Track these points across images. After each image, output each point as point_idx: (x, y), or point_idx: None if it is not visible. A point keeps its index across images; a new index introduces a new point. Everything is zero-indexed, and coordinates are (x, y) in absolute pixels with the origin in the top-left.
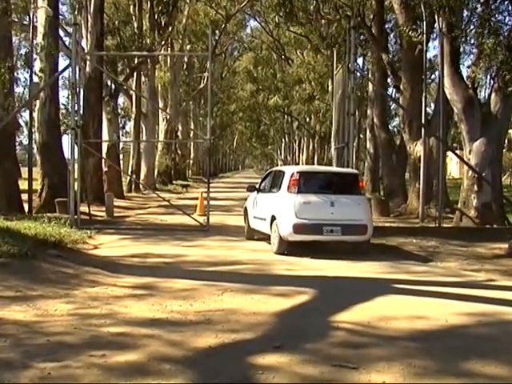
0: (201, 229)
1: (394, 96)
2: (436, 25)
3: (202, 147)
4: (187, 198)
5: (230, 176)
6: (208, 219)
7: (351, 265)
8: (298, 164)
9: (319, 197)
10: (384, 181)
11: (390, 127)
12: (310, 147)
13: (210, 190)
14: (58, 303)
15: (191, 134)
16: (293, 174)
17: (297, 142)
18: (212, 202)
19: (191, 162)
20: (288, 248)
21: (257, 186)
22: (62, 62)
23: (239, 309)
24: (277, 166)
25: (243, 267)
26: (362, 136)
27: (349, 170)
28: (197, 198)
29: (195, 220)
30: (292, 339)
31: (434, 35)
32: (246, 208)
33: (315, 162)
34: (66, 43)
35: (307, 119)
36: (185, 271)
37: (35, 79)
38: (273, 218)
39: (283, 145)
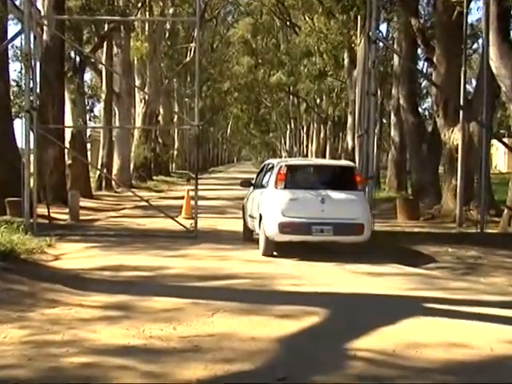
0: (187, 235)
1: (425, 71)
2: None
3: (189, 135)
4: (170, 198)
5: (222, 170)
6: (196, 223)
7: (370, 279)
8: (307, 156)
9: (308, 192)
10: (412, 176)
11: (419, 110)
12: (321, 135)
13: (199, 187)
14: (8, 328)
15: (175, 119)
16: (280, 167)
17: (305, 128)
18: (201, 203)
19: (175, 153)
20: (276, 250)
21: (253, 181)
22: (13, 27)
23: (234, 333)
24: (280, 157)
25: (239, 282)
26: (385, 121)
27: (344, 162)
28: (182, 198)
29: (180, 224)
30: (299, 370)
31: None
32: (243, 206)
33: (327, 152)
34: (17, 3)
35: (318, 100)
36: (167, 287)
37: None
38: (260, 217)
39: (288, 132)
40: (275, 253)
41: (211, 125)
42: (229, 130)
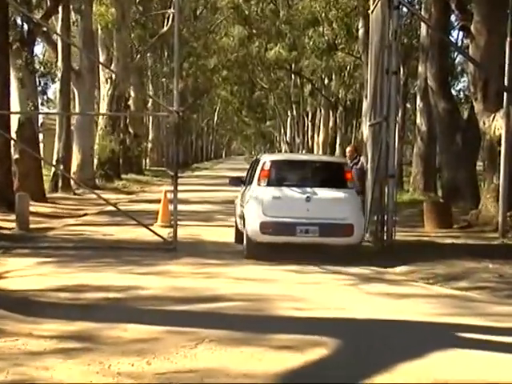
0: (164, 247)
1: (460, 43)
2: None
3: (167, 124)
4: (144, 201)
5: (208, 167)
6: (175, 233)
7: (389, 301)
8: (313, 150)
9: (293, 190)
10: (443, 174)
11: (452, 92)
12: (330, 123)
13: (180, 188)
14: None
15: (149, 104)
16: (264, 163)
17: (309, 115)
18: (181, 207)
19: (149, 146)
20: (259, 252)
21: (243, 179)
22: None
23: (222, 369)
24: (280, 151)
25: (228, 305)
26: (409, 106)
27: (333, 158)
28: (158, 201)
29: (156, 234)
30: None
31: None
32: (235, 205)
33: (337, 145)
34: None
35: (325, 81)
36: (140, 312)
37: None
38: (243, 217)
39: (289, 120)
40: (274, 267)
41: (194, 111)
42: (216, 118)
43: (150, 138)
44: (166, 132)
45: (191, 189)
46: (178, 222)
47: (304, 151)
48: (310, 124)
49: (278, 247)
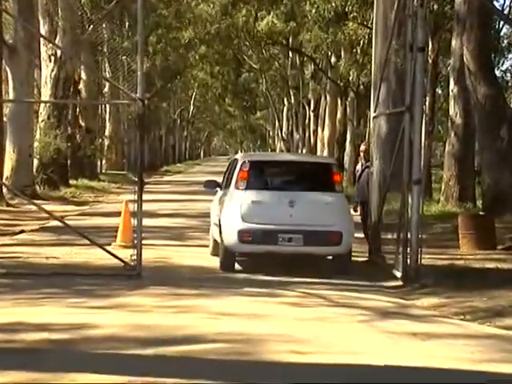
0: (126, 273)
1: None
2: None
3: (128, 115)
4: (99, 214)
5: (182, 171)
6: (139, 255)
7: (415, 343)
8: (316, 148)
9: (275, 194)
10: (484, 179)
11: (496, 73)
12: (338, 114)
13: (146, 197)
14: None
15: (106, 89)
16: (242, 163)
17: (312, 104)
18: (148, 222)
19: (106, 143)
20: (235, 263)
21: (220, 181)
22: None
23: None
24: (274, 150)
25: (206, 348)
26: (439, 92)
27: (319, 158)
28: (118, 214)
29: (114, 256)
30: None
31: None
32: (210, 212)
33: (347, 141)
34: None
35: (332, 59)
36: (93, 357)
37: None
38: (220, 224)
39: (285, 110)
40: (265, 298)
41: (164, 98)
42: (192, 107)
43: (107, 133)
44: (127, 126)
45: (160, 198)
46: (144, 242)
47: (305, 150)
48: (312, 115)
49: (259, 258)
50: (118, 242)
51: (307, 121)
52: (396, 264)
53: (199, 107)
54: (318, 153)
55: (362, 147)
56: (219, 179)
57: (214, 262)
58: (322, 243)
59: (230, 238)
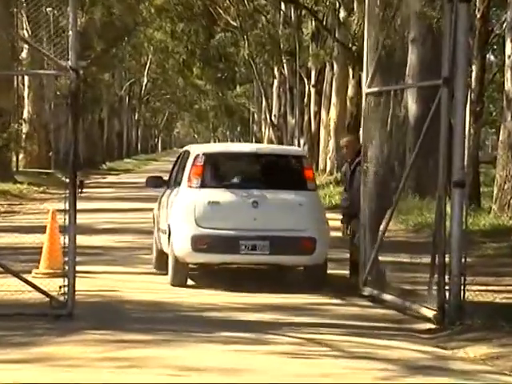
0: (53, 312)
1: None
2: None
3: (56, 91)
4: (14, 230)
5: (133, 169)
6: (71, 286)
7: None
8: (318, 136)
9: (235, 193)
10: None
11: None
12: (350, 89)
13: (81, 206)
14: None
15: (24, 54)
16: (196, 157)
17: (313, 76)
18: (83, 240)
19: (25, 130)
20: (187, 277)
21: (166, 178)
22: None
23: None
24: (259, 141)
25: None
26: (490, 58)
27: (289, 149)
28: (42, 230)
29: (37, 289)
30: None
31: None
32: (153, 216)
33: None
34: None
35: (341, 13)
36: None
37: None
38: (169, 229)
39: (276, 84)
40: (248, 347)
41: (106, 68)
42: (146, 80)
43: (26, 115)
44: (54, 106)
45: (101, 207)
46: (78, 268)
47: (303, 140)
48: (313, 91)
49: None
50: (42, 269)
51: (306, 99)
52: (428, 298)
53: (156, 80)
54: (322, 143)
55: (345, 140)
56: (166, 176)
57: (175, 295)
58: (292, 251)
59: (182, 246)
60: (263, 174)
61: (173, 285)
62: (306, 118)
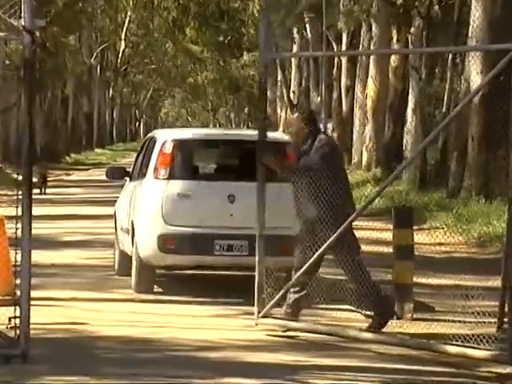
0: (1, 351)
1: None
2: None
3: (5, 59)
4: None
5: (106, 163)
6: (25, 317)
7: None
8: (352, 119)
9: (208, 185)
10: None
11: None
12: (393, 59)
13: (39, 211)
14: None
15: None
16: (163, 144)
17: (344, 39)
18: (41, 256)
19: None
20: (153, 283)
21: (129, 169)
22: None
23: None
24: (274, 125)
25: None
26: None
27: (271, 135)
28: None
29: None
30: None
31: None
32: (114, 213)
33: (408, 108)
34: None
35: None
36: None
37: None
38: (133, 228)
39: (295, 50)
40: None
41: (71, 29)
42: (123, 45)
43: None
44: (2, 79)
45: (65, 213)
46: (34, 293)
47: (331, 124)
48: (344, 60)
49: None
50: None
51: (336, 71)
52: (505, 336)
53: (137, 45)
54: (357, 129)
55: (295, 116)
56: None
57: (161, 329)
58: (275, 252)
59: (148, 246)
60: (241, 163)
61: (137, 291)
62: (335, 95)
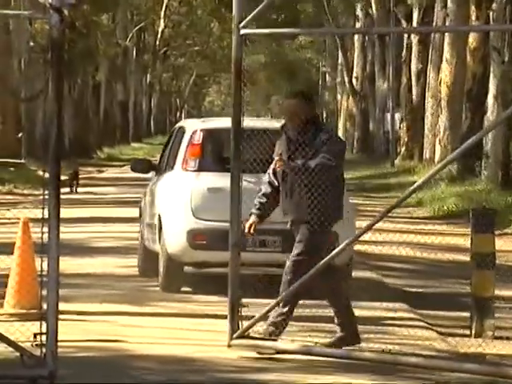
0: (25, 373)
1: None
2: None
3: (30, 39)
4: None
5: (143, 157)
6: (52, 333)
7: None
8: (423, 106)
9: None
10: None
11: None
12: (471, 39)
13: (67, 213)
14: None
15: None
16: (193, 134)
17: (415, 16)
18: (70, 264)
19: None
20: (182, 280)
21: (156, 162)
22: None
23: None
24: (331, 113)
25: None
26: None
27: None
28: (8, 251)
29: (1, 339)
30: None
31: None
32: (140, 209)
33: (489, 95)
34: None
35: None
36: None
37: None
38: (160, 223)
39: (359, 26)
40: None
41: (104, 7)
42: (162, 25)
43: None
44: (25, 64)
45: (96, 215)
46: (62, 306)
47: (399, 114)
48: (415, 41)
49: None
50: (8, 309)
51: (405, 53)
52: None
53: (178, 25)
54: (429, 119)
55: (293, 101)
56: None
57: (208, 347)
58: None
59: (176, 242)
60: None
61: (165, 290)
62: (403, 81)
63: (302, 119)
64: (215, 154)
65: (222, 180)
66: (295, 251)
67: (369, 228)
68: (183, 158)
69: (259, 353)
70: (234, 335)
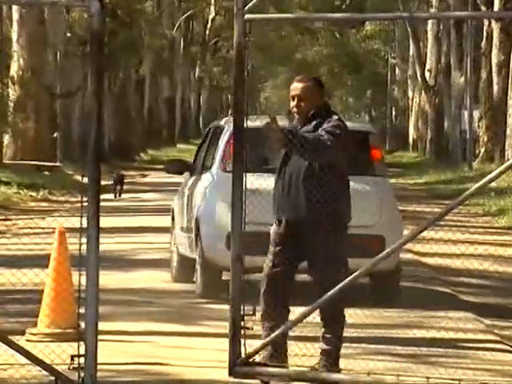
0: None
1: None
2: None
3: (67, 29)
4: None
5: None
6: (91, 355)
7: None
8: (506, 105)
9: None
10: None
11: None
12: None
13: (108, 223)
14: None
15: None
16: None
17: (496, 3)
18: (111, 279)
19: (12, 93)
20: (220, 286)
21: (191, 162)
22: None
23: None
24: (401, 111)
25: None
26: None
27: (355, 125)
28: (42, 263)
29: (32, 360)
30: None
31: None
32: (172, 211)
33: None
34: None
35: None
36: None
37: None
38: (197, 226)
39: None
40: None
41: None
42: (213, 13)
43: (15, 71)
44: (62, 56)
45: (139, 224)
46: (101, 326)
47: (479, 111)
48: (496, 29)
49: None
50: (43, 328)
51: (485, 43)
52: None
53: (230, 13)
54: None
55: (304, 85)
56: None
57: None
58: (354, 254)
59: (215, 246)
60: None
61: (203, 296)
62: (483, 74)
63: (312, 106)
64: (257, 153)
65: (264, 181)
66: (329, 271)
67: (415, 235)
68: (222, 158)
69: (262, 381)
70: (237, 361)
